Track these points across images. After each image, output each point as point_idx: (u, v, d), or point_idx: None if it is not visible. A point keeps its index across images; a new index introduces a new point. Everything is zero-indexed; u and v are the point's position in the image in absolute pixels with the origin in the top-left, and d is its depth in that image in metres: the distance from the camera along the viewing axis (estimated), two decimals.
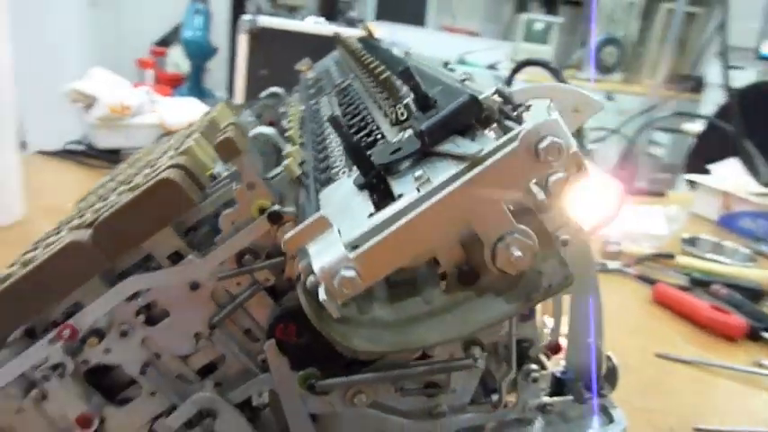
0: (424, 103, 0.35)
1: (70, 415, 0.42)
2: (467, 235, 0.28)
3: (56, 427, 0.42)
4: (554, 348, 0.49)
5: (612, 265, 1.02)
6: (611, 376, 0.52)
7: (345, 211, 0.32)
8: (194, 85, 2.48)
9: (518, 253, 0.28)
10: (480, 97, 0.32)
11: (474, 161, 0.28)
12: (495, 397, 0.47)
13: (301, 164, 0.45)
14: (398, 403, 0.46)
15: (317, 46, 1.01)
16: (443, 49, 2.59)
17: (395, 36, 1.21)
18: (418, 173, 0.30)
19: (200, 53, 2.49)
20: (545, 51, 3.27)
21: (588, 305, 0.50)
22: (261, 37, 1.43)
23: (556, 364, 0.53)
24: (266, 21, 1.46)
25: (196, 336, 0.42)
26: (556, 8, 3.68)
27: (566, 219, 0.45)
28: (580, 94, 0.30)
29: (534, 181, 0.31)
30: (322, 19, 1.66)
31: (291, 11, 2.66)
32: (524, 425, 0.49)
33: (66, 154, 1.23)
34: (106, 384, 0.44)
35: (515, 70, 1.20)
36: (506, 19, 3.80)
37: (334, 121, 0.32)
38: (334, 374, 0.43)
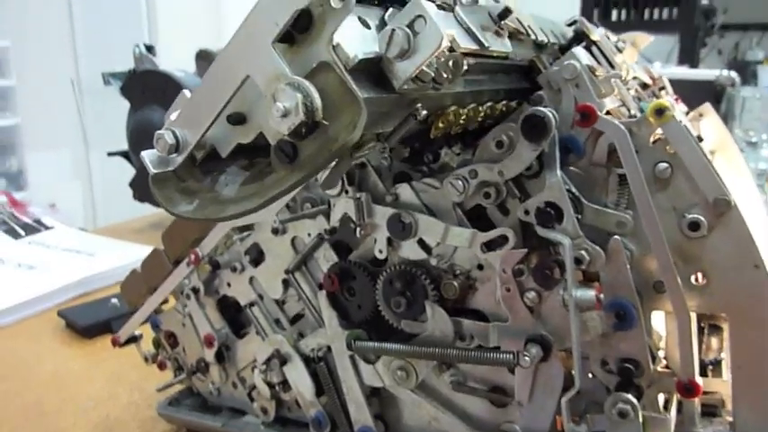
0: None
1: (201, 332, 0.51)
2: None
3: (201, 342, 0.52)
4: (686, 389, 0.33)
5: None
6: None
7: None
8: None
9: (283, 104, 0.23)
10: None
11: None
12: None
13: None
14: (462, 401, 0.40)
15: None
16: None
17: None
18: None
19: None
20: None
21: (763, 336, 0.33)
22: None
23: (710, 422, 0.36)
24: None
25: (284, 282, 0.46)
26: None
27: (698, 198, 0.33)
28: None
29: None
30: None
31: None
32: None
33: None
34: (238, 322, 0.51)
35: None
36: None
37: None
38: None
